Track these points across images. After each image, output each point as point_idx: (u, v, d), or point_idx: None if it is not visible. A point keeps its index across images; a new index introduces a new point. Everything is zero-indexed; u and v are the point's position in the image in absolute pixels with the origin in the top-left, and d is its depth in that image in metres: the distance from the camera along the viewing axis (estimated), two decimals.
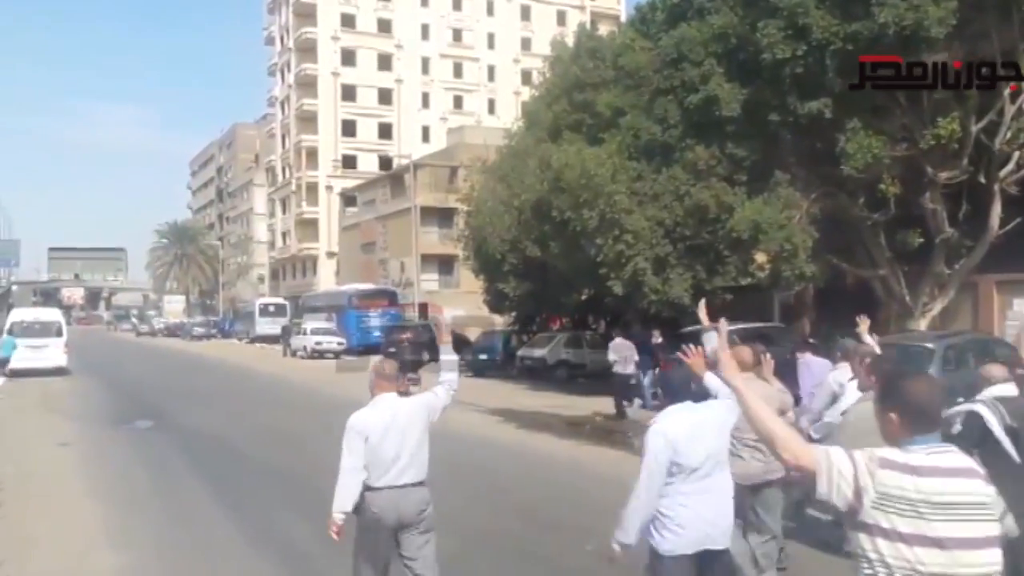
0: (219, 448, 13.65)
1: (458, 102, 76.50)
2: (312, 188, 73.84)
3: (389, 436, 4.95)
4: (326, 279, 69.03)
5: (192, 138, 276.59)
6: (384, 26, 74.49)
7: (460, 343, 36.38)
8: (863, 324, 6.62)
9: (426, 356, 24.11)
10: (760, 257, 19.20)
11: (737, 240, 18.60)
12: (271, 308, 58.24)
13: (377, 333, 38.18)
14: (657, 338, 19.13)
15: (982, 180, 17.46)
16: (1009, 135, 16.65)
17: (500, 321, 33.67)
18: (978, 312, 20.27)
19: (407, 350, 26.76)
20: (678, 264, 19.91)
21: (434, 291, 52.04)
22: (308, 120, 73.82)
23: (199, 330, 66.04)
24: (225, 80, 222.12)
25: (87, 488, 10.56)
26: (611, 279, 20.36)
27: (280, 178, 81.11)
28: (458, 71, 76.94)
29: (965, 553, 2.52)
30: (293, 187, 76.40)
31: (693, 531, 4.28)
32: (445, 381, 5.32)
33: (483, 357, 30.09)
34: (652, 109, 20.48)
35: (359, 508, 4.97)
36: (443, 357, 5.47)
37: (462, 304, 43.95)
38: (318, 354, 38.83)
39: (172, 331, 71.02)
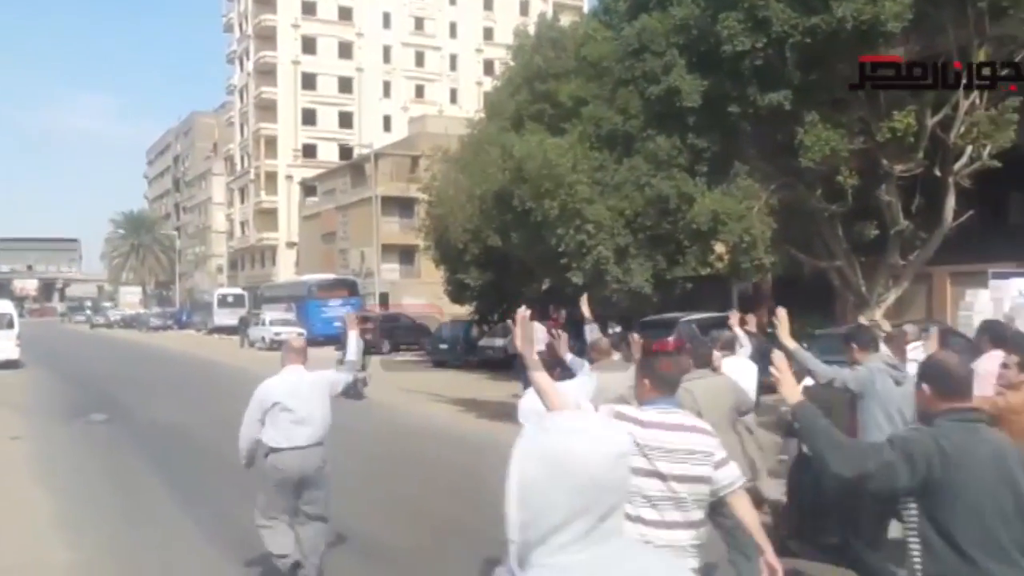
0: (175, 441, 13.46)
1: (420, 91, 76.07)
2: (271, 177, 73.06)
3: (293, 402, 5.74)
4: (286, 269, 68.43)
5: (149, 126, 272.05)
6: (345, 14, 73.79)
7: (419, 333, 36.33)
8: (733, 318, 6.97)
9: (386, 347, 24.02)
10: (720, 247, 19.36)
11: (697, 231, 18.71)
12: (229, 299, 57.56)
13: (337, 323, 37.88)
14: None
15: (937, 173, 17.73)
16: (963, 129, 16.91)
17: (463, 312, 33.62)
18: (932, 303, 20.65)
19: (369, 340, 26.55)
20: (639, 254, 20.00)
21: (395, 281, 51.83)
22: (267, 108, 72.97)
23: (156, 321, 65.10)
24: (183, 67, 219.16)
25: (39, 483, 10.35)
26: (572, 269, 20.40)
27: (239, 167, 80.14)
28: (420, 60, 76.49)
29: (679, 484, 3.54)
30: (252, 176, 75.53)
31: None
32: (347, 363, 6.55)
33: (443, 347, 30.03)
34: (614, 99, 20.52)
35: (267, 466, 5.81)
36: (350, 345, 6.70)
37: (423, 294, 43.83)
38: (277, 345, 38.34)
39: (128, 322, 69.92)
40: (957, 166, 17.52)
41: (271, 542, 5.88)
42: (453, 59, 77.26)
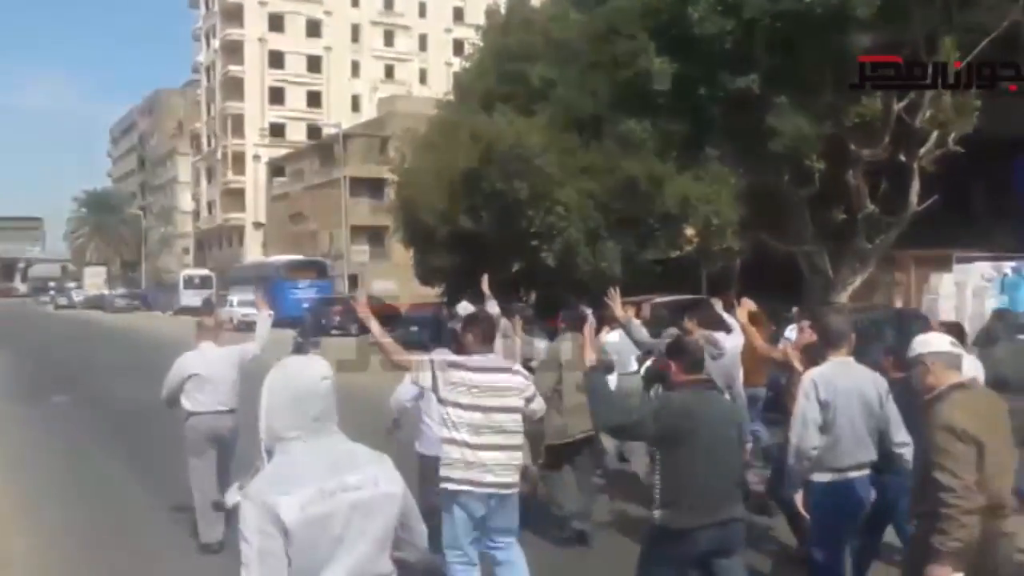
0: (139, 423, 13.28)
1: (389, 71, 75.46)
2: (238, 157, 72.22)
3: (208, 372, 6.58)
4: (253, 251, 67.81)
5: (112, 103, 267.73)
6: None
7: (389, 316, 36.14)
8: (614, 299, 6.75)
9: (355, 329, 23.89)
10: (689, 231, 19.46)
11: (667, 214, 18.80)
12: (196, 280, 56.95)
13: (306, 305, 37.65)
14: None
15: (902, 158, 17.92)
16: (928, 114, 17.10)
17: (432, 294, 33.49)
18: (896, 286, 20.88)
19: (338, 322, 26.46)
20: (609, 236, 20.04)
21: (364, 263, 51.55)
22: (234, 87, 72.01)
23: (121, 302, 64.17)
24: (148, 44, 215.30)
25: None
26: (543, 251, 20.41)
27: (205, 146, 79.14)
28: (389, 39, 75.79)
29: (496, 413, 4.65)
30: (219, 156, 74.64)
31: None
32: (259, 336, 7.06)
33: (414, 330, 29.91)
34: (584, 82, 20.48)
35: (187, 428, 6.68)
36: (260, 323, 7.26)
37: (393, 276, 43.63)
38: (245, 326, 38.07)
39: (93, 303, 68.92)
40: (922, 152, 17.72)
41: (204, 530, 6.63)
42: (423, 39, 76.62)
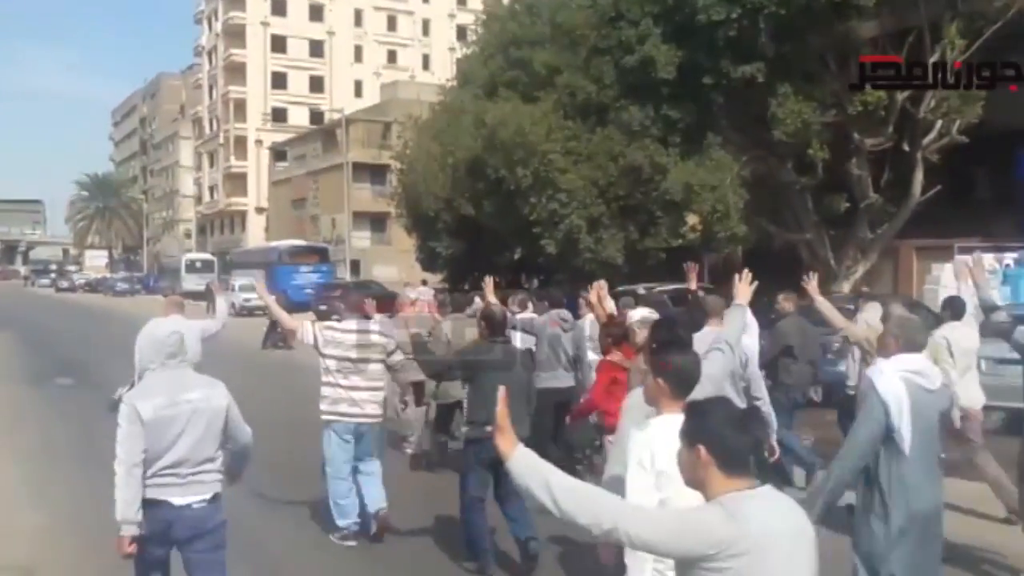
0: None
1: (392, 56, 75.15)
2: (240, 141, 72.05)
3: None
4: (255, 235, 67.78)
5: (114, 85, 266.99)
6: None
7: (391, 302, 36.13)
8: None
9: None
10: (692, 219, 19.45)
11: (670, 201, 18.79)
12: (198, 264, 56.89)
13: (308, 290, 37.65)
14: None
15: (906, 148, 17.91)
16: (932, 104, 17.07)
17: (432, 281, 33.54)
18: (898, 276, 20.90)
19: (338, 307, 26.39)
20: (611, 224, 20.04)
21: (366, 249, 51.55)
22: (236, 71, 71.77)
23: (122, 286, 64.11)
24: (150, 27, 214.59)
25: (4, 447, 10.24)
26: (545, 238, 20.41)
27: (207, 131, 78.94)
28: (392, 24, 75.45)
29: (361, 363, 6.19)
30: (221, 140, 74.49)
31: None
32: (218, 315, 8.11)
33: None
34: (588, 68, 20.44)
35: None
36: (218, 304, 8.42)
37: (395, 262, 43.66)
38: (246, 311, 38.10)
39: (94, 287, 68.93)
40: (926, 141, 17.70)
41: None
42: (425, 24, 76.30)
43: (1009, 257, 15.26)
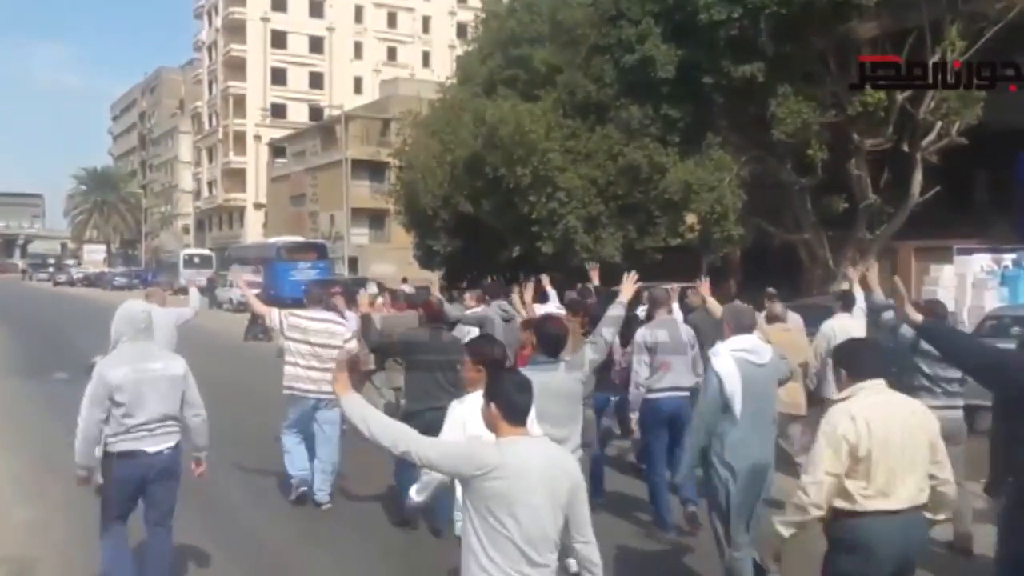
0: None
1: (392, 53, 75.07)
2: (240, 137, 71.98)
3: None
4: (254, 231, 67.69)
5: (114, 80, 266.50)
6: None
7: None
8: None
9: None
10: (690, 218, 19.44)
11: (668, 201, 18.78)
12: (196, 259, 56.77)
13: (305, 287, 37.53)
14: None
15: (905, 149, 17.90)
16: (932, 105, 17.06)
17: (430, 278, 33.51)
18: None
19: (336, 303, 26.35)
20: (610, 223, 20.03)
21: (364, 246, 51.50)
22: (236, 67, 71.67)
23: (120, 280, 64.03)
24: (149, 21, 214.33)
25: None
26: (543, 237, 20.39)
27: (206, 126, 78.84)
28: (392, 21, 75.38)
29: (319, 348, 7.10)
30: (220, 135, 74.39)
31: None
32: (191, 304, 9.05)
33: None
34: (588, 67, 20.43)
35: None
36: (192, 292, 9.44)
37: (393, 259, 43.61)
38: (243, 307, 38.05)
39: (92, 281, 68.82)
40: (925, 142, 17.69)
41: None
42: (426, 21, 76.23)
43: (1007, 258, 15.24)
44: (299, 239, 46.44)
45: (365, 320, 7.17)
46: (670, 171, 18.56)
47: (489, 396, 3.16)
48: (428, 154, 26.94)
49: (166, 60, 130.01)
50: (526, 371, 3.96)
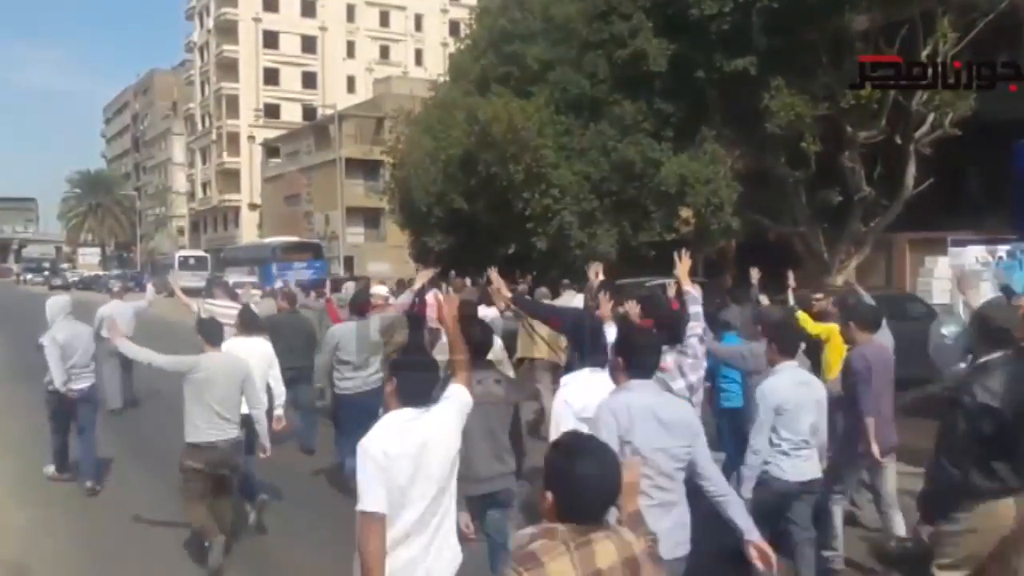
0: (133, 403, 13.32)
1: (384, 52, 74.98)
2: (233, 138, 71.88)
3: (114, 314, 11.13)
4: (249, 232, 67.64)
5: (106, 82, 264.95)
6: None
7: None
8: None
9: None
10: (685, 212, 19.43)
11: (664, 194, 18.78)
12: (191, 261, 56.65)
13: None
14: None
15: (898, 141, 17.92)
16: (925, 97, 17.08)
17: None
18: (892, 269, 20.94)
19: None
20: (604, 219, 20.02)
21: (360, 245, 51.47)
22: (228, 67, 71.55)
23: (116, 284, 63.90)
24: (141, 23, 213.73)
25: None
26: (537, 233, 20.39)
27: (200, 127, 78.72)
28: (384, 20, 75.28)
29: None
30: (213, 136, 74.29)
31: None
32: (147, 297, 12.32)
33: None
34: (581, 63, 20.42)
35: (101, 349, 10.09)
36: (148, 289, 13.44)
37: (388, 258, 43.61)
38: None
39: (87, 284, 68.66)
40: (918, 134, 17.71)
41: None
42: (418, 19, 76.14)
43: (1001, 250, 15.24)
44: (294, 239, 46.43)
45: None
46: (665, 164, 18.57)
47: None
48: (422, 152, 26.89)
49: (158, 62, 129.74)
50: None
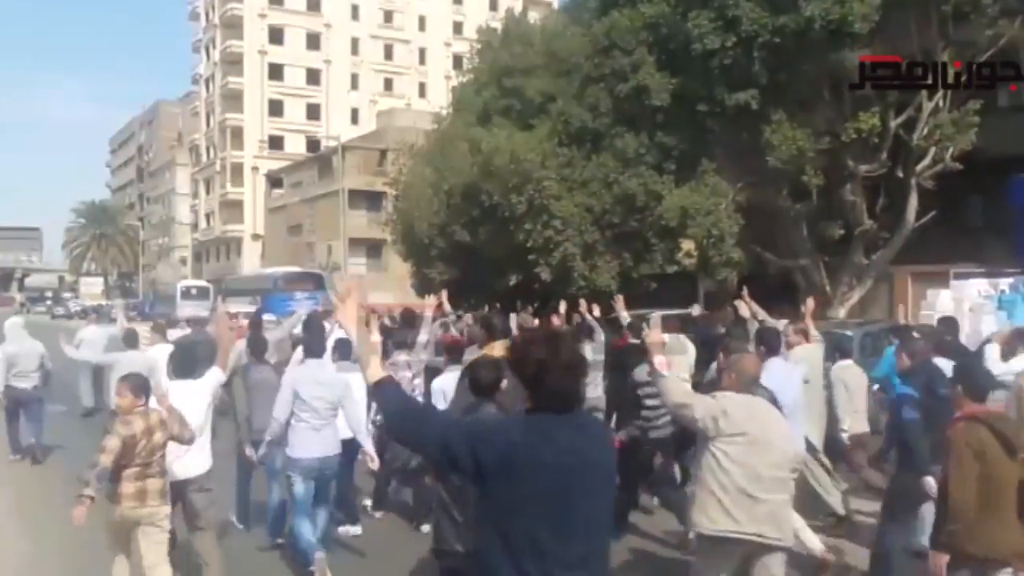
0: None
1: (388, 84, 75.56)
2: (237, 169, 72.22)
3: (91, 339, 13.99)
4: (251, 262, 67.69)
5: (111, 114, 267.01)
6: (313, 4, 73.03)
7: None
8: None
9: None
10: (686, 244, 19.46)
11: (665, 227, 18.81)
12: (193, 291, 56.61)
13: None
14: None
15: (900, 174, 17.98)
16: (926, 131, 17.17)
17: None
18: (893, 301, 20.87)
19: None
20: (606, 251, 20.05)
21: (362, 275, 51.49)
22: (234, 99, 72.07)
23: (117, 311, 63.84)
24: (147, 55, 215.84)
25: None
26: (539, 265, 20.41)
27: (204, 158, 79.15)
28: (388, 53, 75.94)
29: None
30: (217, 167, 74.66)
31: None
32: (118, 326, 11.92)
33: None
34: (582, 96, 20.56)
35: (82, 365, 13.34)
36: (120, 318, 12.70)
37: (390, 289, 43.61)
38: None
39: (88, 313, 68.58)
40: (919, 167, 17.77)
41: None
42: (422, 52, 76.82)
43: (1004, 283, 15.23)
44: (296, 269, 46.39)
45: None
46: (666, 197, 18.63)
47: None
48: (424, 183, 27.02)
49: (164, 93, 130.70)
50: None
